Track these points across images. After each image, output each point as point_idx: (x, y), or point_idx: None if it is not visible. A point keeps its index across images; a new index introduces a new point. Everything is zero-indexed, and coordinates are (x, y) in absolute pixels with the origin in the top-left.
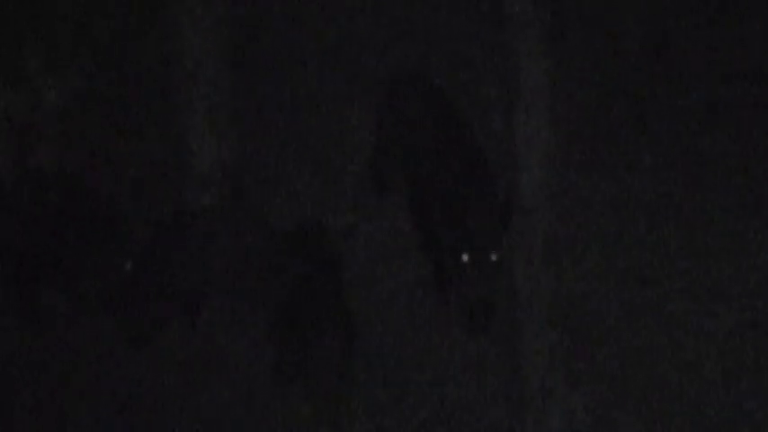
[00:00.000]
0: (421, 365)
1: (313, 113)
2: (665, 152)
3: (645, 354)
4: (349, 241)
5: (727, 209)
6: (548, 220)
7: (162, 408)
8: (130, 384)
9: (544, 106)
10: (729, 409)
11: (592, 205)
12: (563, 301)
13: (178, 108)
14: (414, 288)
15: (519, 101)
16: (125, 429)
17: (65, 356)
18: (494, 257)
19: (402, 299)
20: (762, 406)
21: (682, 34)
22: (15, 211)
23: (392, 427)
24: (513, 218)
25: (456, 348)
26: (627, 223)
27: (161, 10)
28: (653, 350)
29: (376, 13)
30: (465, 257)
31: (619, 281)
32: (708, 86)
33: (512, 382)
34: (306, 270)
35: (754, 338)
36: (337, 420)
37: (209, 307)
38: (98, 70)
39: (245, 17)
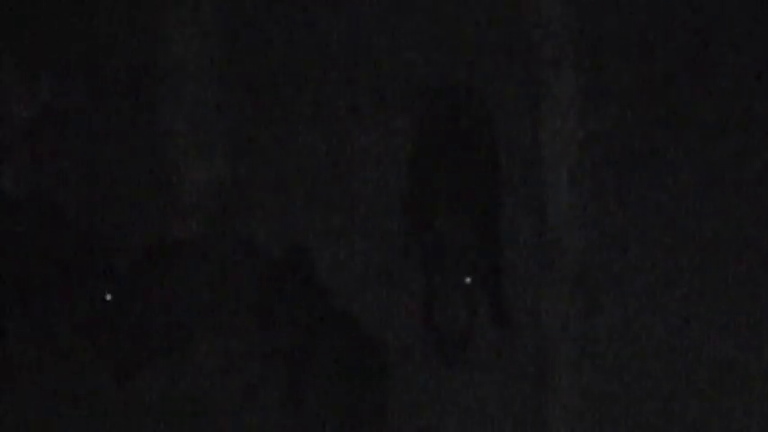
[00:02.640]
0: (438, 407)
1: (311, 130)
2: (711, 175)
3: (685, 398)
4: (348, 269)
5: None
6: (578, 248)
7: None
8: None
9: (574, 122)
10: None
11: (627, 234)
12: (595, 339)
13: (162, 125)
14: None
15: (547, 115)
16: None
17: (35, 403)
18: (468, 280)
19: (413, 333)
20: None
21: (724, 44)
22: None
23: None
24: (539, 246)
25: (476, 390)
26: (668, 255)
27: (146, 20)
28: (694, 394)
29: (387, 20)
30: (467, 280)
31: (657, 318)
32: (755, 102)
33: (538, 427)
34: (300, 301)
35: None
36: None
37: (197, 344)
38: (74, 83)
39: (237, 28)
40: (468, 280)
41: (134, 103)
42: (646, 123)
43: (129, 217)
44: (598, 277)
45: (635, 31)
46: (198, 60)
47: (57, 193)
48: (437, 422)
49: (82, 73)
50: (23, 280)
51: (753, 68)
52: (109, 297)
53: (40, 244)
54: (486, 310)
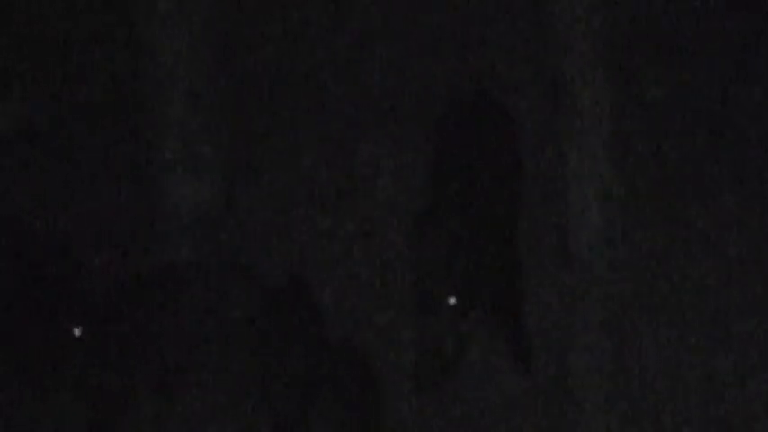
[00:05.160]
0: None
1: (313, 146)
2: (757, 195)
3: None
4: (353, 299)
5: None
6: (605, 277)
7: None
8: None
9: (601, 138)
10: None
11: (663, 260)
12: (626, 376)
13: (149, 140)
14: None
15: (572, 131)
16: None
17: None
18: (453, 301)
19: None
20: None
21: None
22: None
23: None
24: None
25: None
26: (708, 285)
27: (129, 28)
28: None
29: (397, 23)
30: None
31: (693, 353)
32: None
33: None
34: (301, 334)
35: None
36: None
37: (187, 385)
38: (52, 94)
39: (231, 34)
40: (452, 301)
41: (117, 116)
42: (684, 137)
43: (109, 241)
44: (630, 309)
45: (671, 37)
46: (188, 70)
47: (29, 215)
48: None
49: (60, 85)
50: None
51: None
52: (78, 332)
53: (9, 270)
54: (506, 345)
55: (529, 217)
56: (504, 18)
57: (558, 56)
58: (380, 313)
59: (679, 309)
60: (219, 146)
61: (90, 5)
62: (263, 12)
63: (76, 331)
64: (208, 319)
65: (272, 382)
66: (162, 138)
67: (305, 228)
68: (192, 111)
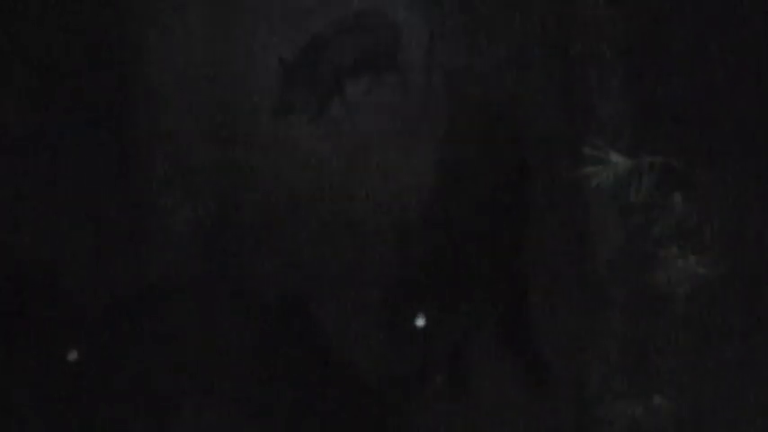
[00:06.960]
0: None
1: (313, 156)
2: None
3: None
4: (354, 319)
5: None
6: (627, 295)
7: None
8: None
9: (623, 149)
10: None
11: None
12: (649, 408)
13: (141, 153)
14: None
15: (592, 142)
16: None
17: None
18: (421, 323)
19: (425, 390)
20: None
21: None
22: None
23: None
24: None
25: None
26: (733, 306)
27: (125, 36)
28: None
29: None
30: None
31: (716, 372)
32: None
33: None
34: (299, 355)
35: None
36: None
37: (182, 408)
38: (38, 104)
39: (229, 38)
40: (420, 322)
41: (106, 125)
42: (709, 150)
43: (98, 260)
44: (650, 331)
45: (694, 47)
46: (182, 76)
47: (12, 232)
48: None
49: (47, 93)
50: None
51: None
52: (74, 356)
53: None
54: (518, 368)
55: (545, 232)
56: (518, 27)
57: (576, 69)
58: (384, 335)
59: (703, 331)
60: (214, 157)
61: (81, 13)
62: (264, 14)
63: (72, 355)
64: (202, 339)
65: (269, 398)
66: (154, 149)
67: (304, 243)
68: (185, 120)
